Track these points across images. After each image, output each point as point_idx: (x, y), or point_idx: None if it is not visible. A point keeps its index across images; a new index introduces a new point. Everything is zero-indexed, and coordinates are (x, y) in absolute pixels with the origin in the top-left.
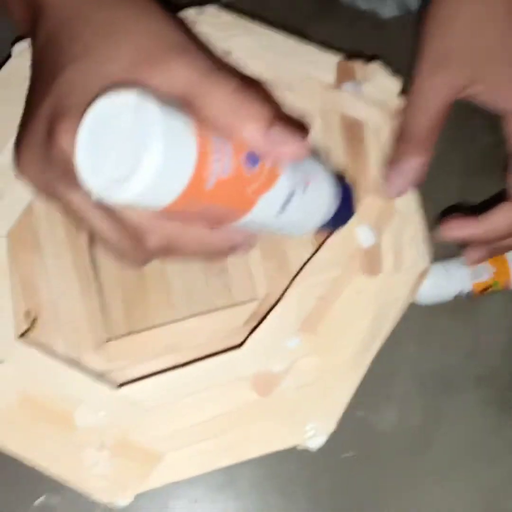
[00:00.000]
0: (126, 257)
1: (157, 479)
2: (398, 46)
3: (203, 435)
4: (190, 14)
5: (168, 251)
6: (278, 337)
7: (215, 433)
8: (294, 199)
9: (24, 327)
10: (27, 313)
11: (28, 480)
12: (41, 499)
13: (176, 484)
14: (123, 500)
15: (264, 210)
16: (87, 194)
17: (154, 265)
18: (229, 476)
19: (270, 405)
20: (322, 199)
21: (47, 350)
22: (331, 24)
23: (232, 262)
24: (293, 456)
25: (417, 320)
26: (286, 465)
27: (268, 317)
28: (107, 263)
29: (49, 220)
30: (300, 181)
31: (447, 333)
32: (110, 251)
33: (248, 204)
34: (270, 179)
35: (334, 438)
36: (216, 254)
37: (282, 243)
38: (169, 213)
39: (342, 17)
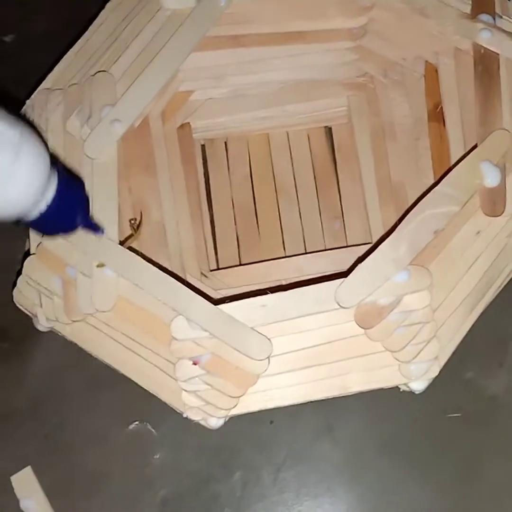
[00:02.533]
0: None
1: (252, 403)
2: None
3: (302, 363)
4: None
5: None
6: (386, 269)
7: (315, 362)
8: None
9: (128, 234)
10: (133, 221)
11: (124, 405)
12: (135, 424)
13: (275, 426)
14: (216, 421)
15: None
16: None
17: (268, 205)
18: (327, 425)
19: (374, 339)
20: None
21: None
22: None
23: (348, 208)
24: (395, 414)
25: None
26: (388, 422)
27: (379, 247)
28: (223, 196)
29: (167, 143)
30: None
31: None
32: None
33: None
34: None
35: (439, 397)
36: None
37: (402, 188)
38: None
39: None
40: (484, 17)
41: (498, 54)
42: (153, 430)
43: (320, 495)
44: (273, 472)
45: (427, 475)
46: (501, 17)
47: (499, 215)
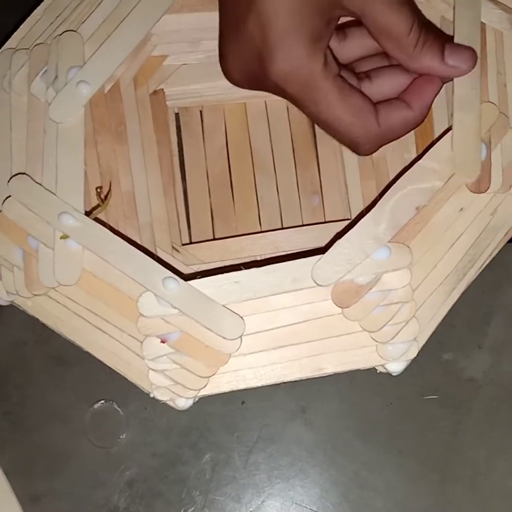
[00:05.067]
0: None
1: (223, 384)
2: None
3: (276, 342)
4: None
5: None
6: (365, 246)
7: (289, 342)
8: None
9: (95, 204)
10: (99, 190)
11: (89, 383)
12: (101, 403)
13: (247, 407)
14: (184, 402)
15: None
16: None
17: (244, 178)
18: (300, 407)
19: (351, 318)
20: None
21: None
22: None
23: (327, 182)
24: (371, 395)
25: None
26: (363, 404)
27: (358, 223)
28: (197, 167)
29: (139, 109)
30: None
31: None
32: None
33: None
34: None
35: (417, 379)
36: None
37: (383, 162)
38: None
39: None
40: None
41: (484, 24)
42: (119, 410)
43: (292, 477)
44: (244, 454)
45: (403, 457)
46: None
47: (484, 192)
